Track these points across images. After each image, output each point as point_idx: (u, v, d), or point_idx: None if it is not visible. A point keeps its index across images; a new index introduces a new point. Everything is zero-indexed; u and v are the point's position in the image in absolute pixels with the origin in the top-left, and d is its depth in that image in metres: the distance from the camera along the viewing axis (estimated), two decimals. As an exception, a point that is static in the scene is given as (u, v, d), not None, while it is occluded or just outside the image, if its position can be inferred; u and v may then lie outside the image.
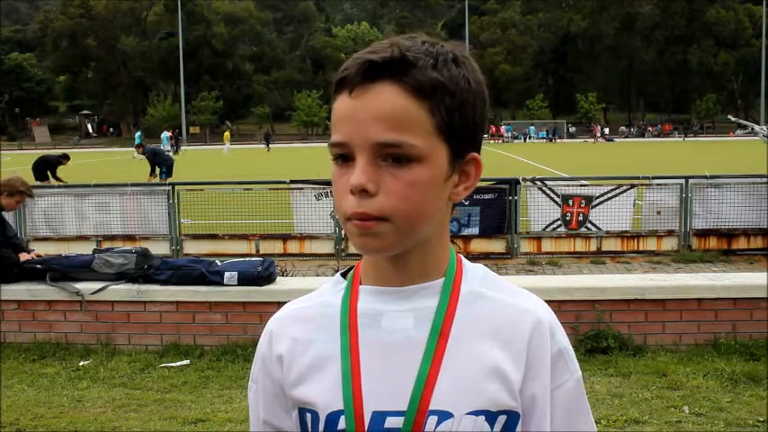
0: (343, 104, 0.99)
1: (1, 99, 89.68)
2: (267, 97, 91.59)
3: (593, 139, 69.82)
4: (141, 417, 4.94)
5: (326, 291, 1.14)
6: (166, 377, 5.71)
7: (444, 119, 0.98)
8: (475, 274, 1.10)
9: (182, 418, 4.88)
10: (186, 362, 6.01)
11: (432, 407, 1.01)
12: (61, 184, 15.02)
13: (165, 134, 50.74)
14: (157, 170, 18.96)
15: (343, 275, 1.15)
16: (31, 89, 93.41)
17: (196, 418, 4.87)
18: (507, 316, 1.07)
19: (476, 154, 1.05)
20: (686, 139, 70.28)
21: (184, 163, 39.30)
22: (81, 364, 6.06)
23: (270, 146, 58.00)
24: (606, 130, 76.76)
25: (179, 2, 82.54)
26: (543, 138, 73.63)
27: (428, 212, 1.00)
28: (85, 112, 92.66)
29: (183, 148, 50.80)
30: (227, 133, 58.68)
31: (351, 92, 0.98)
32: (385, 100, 0.96)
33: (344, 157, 0.99)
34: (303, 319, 1.12)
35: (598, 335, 5.93)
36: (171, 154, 45.97)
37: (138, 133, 50.81)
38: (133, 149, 48.54)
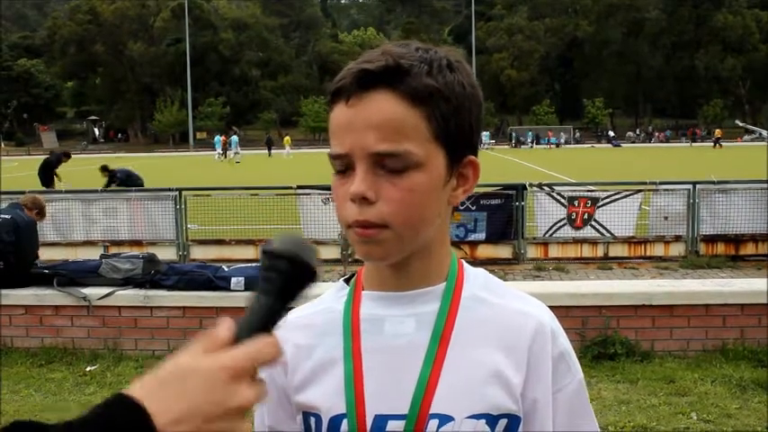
0: (340, 114, 1.00)
1: (9, 105, 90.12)
2: (274, 103, 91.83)
3: (548, 146, 69.95)
4: (148, 422, 4.94)
5: (329, 297, 1.15)
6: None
7: (441, 125, 0.99)
8: (476, 279, 1.11)
9: (188, 424, 4.88)
10: (193, 367, 6.01)
11: (432, 410, 1.02)
12: (66, 186, 15.06)
13: (235, 138, 52.06)
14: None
15: (347, 281, 1.16)
16: (39, 95, 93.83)
17: (203, 424, 4.86)
18: (508, 320, 1.07)
19: (473, 157, 1.05)
20: (693, 144, 70.19)
21: (250, 166, 40.07)
22: (88, 369, 6.07)
23: (271, 151, 58.37)
24: (611, 133, 76.71)
25: (186, 8, 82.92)
26: (552, 143, 73.55)
27: (428, 218, 1.01)
28: (93, 117, 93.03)
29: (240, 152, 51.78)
30: (287, 138, 61.12)
31: (347, 101, 0.99)
32: (381, 108, 0.97)
33: (343, 165, 1.00)
34: (306, 326, 1.13)
35: (605, 341, 5.91)
36: (239, 156, 46.81)
37: (234, 138, 51.64)
38: (218, 153, 49.45)
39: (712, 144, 58.97)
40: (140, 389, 0.72)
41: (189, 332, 6.31)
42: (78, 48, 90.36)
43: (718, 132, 62.47)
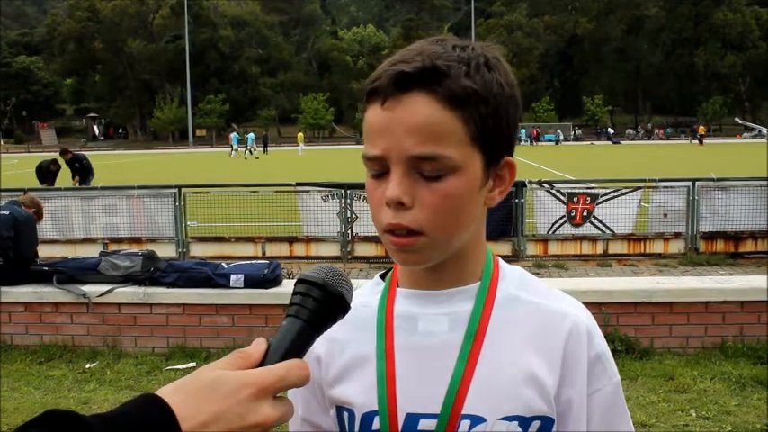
0: (375, 116, 0.97)
1: (8, 102, 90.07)
2: (273, 100, 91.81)
3: (533, 143, 69.64)
4: (147, 419, 4.93)
5: (365, 292, 1.14)
6: (172, 380, 5.66)
7: (479, 127, 0.96)
8: (512, 278, 1.10)
9: (188, 421, 4.88)
10: (192, 364, 6.02)
11: (464, 411, 1.01)
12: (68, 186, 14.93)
13: (251, 135, 54.20)
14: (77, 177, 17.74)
15: (382, 277, 1.15)
16: (39, 92, 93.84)
17: (202, 421, 4.86)
18: (543, 320, 1.06)
19: (509, 158, 1.04)
20: (692, 141, 70.23)
21: (269, 162, 40.50)
22: (87, 366, 6.07)
23: (267, 149, 58.67)
24: (611, 130, 76.70)
25: (185, 5, 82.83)
26: (551, 141, 73.56)
27: (464, 223, 1.00)
28: (92, 114, 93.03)
29: (259, 149, 53.04)
30: (300, 135, 62.10)
31: (383, 103, 0.96)
32: (419, 111, 0.94)
33: (378, 167, 0.98)
34: (341, 320, 1.13)
35: (605, 338, 5.90)
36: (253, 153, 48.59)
37: (251, 135, 53.69)
38: (235, 149, 51.57)
39: (697, 141, 59.33)
40: (168, 393, 0.74)
41: (189, 329, 6.32)
42: (77, 45, 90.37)
43: (701, 129, 62.63)
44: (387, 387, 1.04)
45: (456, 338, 1.04)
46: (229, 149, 53.59)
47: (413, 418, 1.02)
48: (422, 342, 1.05)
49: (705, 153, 43.25)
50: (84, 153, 18.59)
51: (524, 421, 1.01)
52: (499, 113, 0.98)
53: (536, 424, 1.02)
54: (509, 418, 1.01)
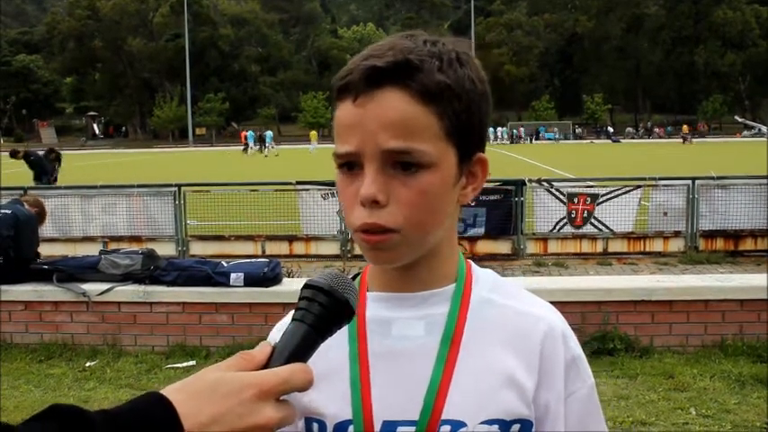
0: (347, 112, 0.95)
1: (8, 100, 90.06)
2: (273, 98, 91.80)
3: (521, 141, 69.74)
4: (147, 418, 4.93)
5: None
6: (172, 378, 5.71)
7: (452, 122, 0.95)
8: (485, 281, 1.08)
9: (188, 419, 4.87)
10: (192, 363, 6.02)
11: (444, 416, 0.99)
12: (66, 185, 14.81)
13: (269, 134, 55.55)
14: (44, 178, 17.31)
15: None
16: (38, 90, 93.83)
17: (202, 419, 4.86)
18: (519, 323, 1.05)
19: (482, 154, 1.02)
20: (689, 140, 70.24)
21: (279, 161, 40.71)
22: (87, 364, 6.07)
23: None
24: (611, 129, 76.64)
25: (185, 3, 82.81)
26: (551, 139, 73.54)
27: (439, 219, 0.98)
28: (92, 113, 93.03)
29: (274, 147, 53.91)
30: (313, 132, 61.73)
31: (355, 99, 0.94)
32: (392, 107, 0.93)
33: (350, 164, 0.96)
34: None
35: (604, 336, 5.91)
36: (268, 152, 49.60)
37: (269, 133, 55.00)
38: (251, 147, 52.65)
39: (683, 140, 59.16)
40: (171, 392, 0.74)
41: (188, 328, 6.32)
42: (77, 43, 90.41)
43: (684, 128, 62.33)
44: (361, 394, 1.01)
45: (432, 342, 1.02)
46: (243, 147, 54.00)
47: (390, 426, 1.00)
48: (396, 346, 1.02)
49: (706, 152, 43.23)
50: (34, 150, 18.31)
51: (505, 425, 1.00)
52: (472, 109, 0.97)
53: (516, 427, 1.01)
54: (490, 422, 0.99)
